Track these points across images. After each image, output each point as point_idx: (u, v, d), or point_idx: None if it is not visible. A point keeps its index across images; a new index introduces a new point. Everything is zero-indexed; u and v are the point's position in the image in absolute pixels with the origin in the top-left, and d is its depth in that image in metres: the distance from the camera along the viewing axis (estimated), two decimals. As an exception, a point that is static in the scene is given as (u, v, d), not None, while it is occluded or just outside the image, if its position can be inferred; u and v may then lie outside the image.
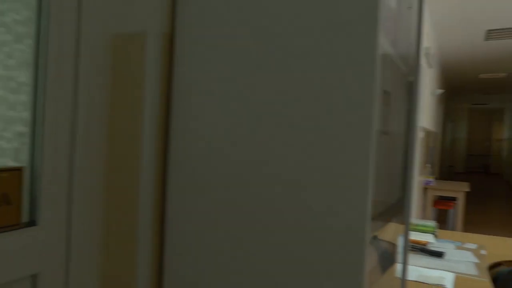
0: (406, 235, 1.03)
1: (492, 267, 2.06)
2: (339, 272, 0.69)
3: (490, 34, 5.44)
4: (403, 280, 1.07)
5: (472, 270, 1.89)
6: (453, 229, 5.41)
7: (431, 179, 5.67)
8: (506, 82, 9.50)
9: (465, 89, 11.13)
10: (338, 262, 0.69)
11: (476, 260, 2.05)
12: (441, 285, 1.68)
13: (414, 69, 1.06)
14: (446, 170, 12.03)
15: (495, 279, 1.86)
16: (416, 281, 1.71)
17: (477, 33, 5.43)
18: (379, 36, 0.66)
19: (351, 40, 0.68)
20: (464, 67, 7.79)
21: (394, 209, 1.21)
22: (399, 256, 1.10)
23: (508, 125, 15.05)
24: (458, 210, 5.37)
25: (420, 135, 4.94)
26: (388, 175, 1.30)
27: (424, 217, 5.54)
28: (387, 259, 1.26)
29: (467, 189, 5.37)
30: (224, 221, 0.80)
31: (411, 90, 1.06)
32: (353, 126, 0.68)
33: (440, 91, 6.48)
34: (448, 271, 1.87)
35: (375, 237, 1.52)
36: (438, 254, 2.06)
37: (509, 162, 13.88)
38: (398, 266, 1.10)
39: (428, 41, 4.95)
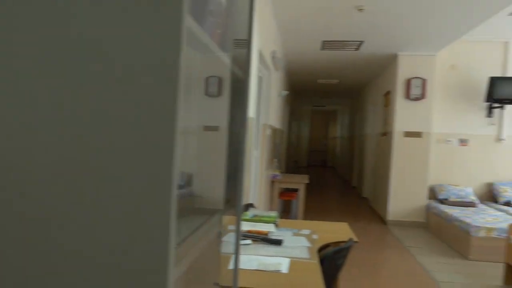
0: (237, 227, 1.08)
1: (322, 249, 2.35)
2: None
3: (325, 45, 6.21)
4: (236, 270, 1.12)
5: (305, 254, 2.11)
6: (295, 217, 6.01)
7: (277, 173, 6.18)
8: (338, 87, 11.02)
9: (307, 92, 12.49)
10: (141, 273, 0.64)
11: (309, 244, 2.30)
12: (278, 270, 1.83)
13: (245, 70, 1.11)
14: (291, 165, 13.32)
15: (322, 260, 2.11)
16: (256, 270, 1.82)
17: (316, 43, 6.13)
18: (185, 17, 0.62)
19: (152, 23, 0.62)
20: (306, 72, 8.72)
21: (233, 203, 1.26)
22: (231, 247, 1.15)
23: (340, 125, 17.53)
24: (299, 200, 6.00)
25: (267, 133, 5.32)
26: (229, 172, 1.34)
27: (271, 208, 5.99)
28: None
29: (307, 181, 6.03)
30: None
31: (242, 90, 1.11)
32: (156, 122, 0.62)
33: (285, 92, 7.10)
34: (285, 256, 2.04)
35: (218, 232, 1.55)
36: (277, 242, 2.25)
37: (340, 157, 16.19)
38: (231, 258, 1.15)
39: (275, 45, 5.36)
